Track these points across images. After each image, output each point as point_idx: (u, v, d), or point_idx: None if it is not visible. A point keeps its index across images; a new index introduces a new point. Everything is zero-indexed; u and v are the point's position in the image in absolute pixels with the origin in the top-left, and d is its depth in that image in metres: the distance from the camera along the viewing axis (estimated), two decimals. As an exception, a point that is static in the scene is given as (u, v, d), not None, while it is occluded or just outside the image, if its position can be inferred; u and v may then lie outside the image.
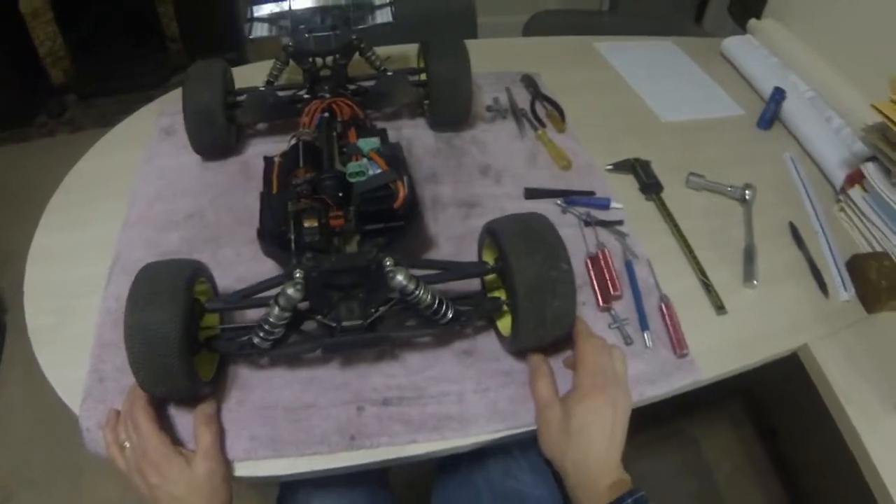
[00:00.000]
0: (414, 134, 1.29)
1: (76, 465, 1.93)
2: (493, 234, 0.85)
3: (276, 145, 1.19)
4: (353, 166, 0.89)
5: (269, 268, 0.99)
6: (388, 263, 0.79)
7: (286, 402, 0.87)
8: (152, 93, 1.42)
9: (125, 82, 3.23)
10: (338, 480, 1.02)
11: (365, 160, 0.92)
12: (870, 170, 1.13)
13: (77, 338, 0.95)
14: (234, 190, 1.16)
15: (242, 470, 0.82)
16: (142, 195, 1.16)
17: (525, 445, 1.04)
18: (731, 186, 1.19)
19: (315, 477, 0.84)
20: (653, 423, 1.92)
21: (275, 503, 1.06)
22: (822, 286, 1.06)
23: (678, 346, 0.94)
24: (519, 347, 0.87)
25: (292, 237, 0.86)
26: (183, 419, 0.85)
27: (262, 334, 0.80)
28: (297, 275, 0.77)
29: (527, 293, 0.79)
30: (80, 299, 1.00)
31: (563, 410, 0.79)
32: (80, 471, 1.92)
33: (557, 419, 0.79)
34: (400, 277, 0.78)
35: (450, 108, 1.24)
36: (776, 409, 1.90)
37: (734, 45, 1.62)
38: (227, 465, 0.81)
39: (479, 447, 0.86)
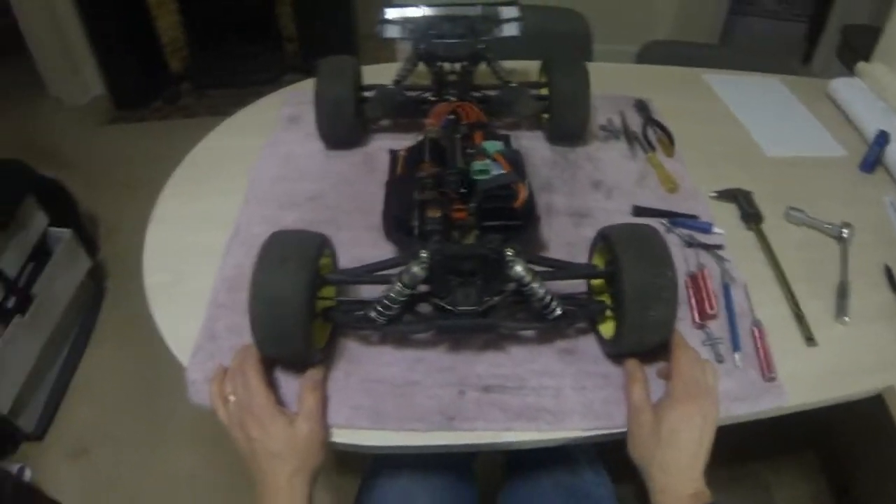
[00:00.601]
0: (531, 145, 1.32)
1: (155, 433, 2.00)
2: (606, 238, 0.89)
3: (399, 142, 1.23)
4: (477, 165, 0.94)
5: (385, 254, 1.02)
6: (509, 254, 0.83)
7: (391, 377, 0.91)
8: (265, 89, 1.48)
9: (239, 77, 3.36)
10: (426, 468, 1.07)
11: (489, 160, 0.96)
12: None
13: (190, 297, 1.01)
14: (356, 179, 1.22)
15: (341, 437, 0.86)
16: (264, 175, 1.22)
17: (586, 450, 1.08)
18: (829, 224, 1.19)
19: (407, 455, 0.87)
20: (729, 462, 1.90)
21: (356, 488, 1.10)
22: (914, 330, 1.05)
23: (767, 369, 0.95)
24: (619, 350, 0.90)
25: (416, 224, 0.91)
26: (289, 384, 0.89)
27: (379, 309, 0.85)
28: (424, 255, 0.82)
29: (633, 296, 0.82)
30: (196, 263, 1.06)
31: (655, 415, 0.82)
32: (158, 438, 1.99)
33: (649, 423, 0.81)
34: (519, 268, 0.82)
35: (568, 123, 1.28)
36: (850, 466, 1.86)
37: (841, 86, 1.62)
38: (328, 430, 0.85)
39: (569, 443, 0.89)
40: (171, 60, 3.38)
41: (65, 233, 2.15)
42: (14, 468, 1.85)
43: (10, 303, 1.89)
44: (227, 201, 1.17)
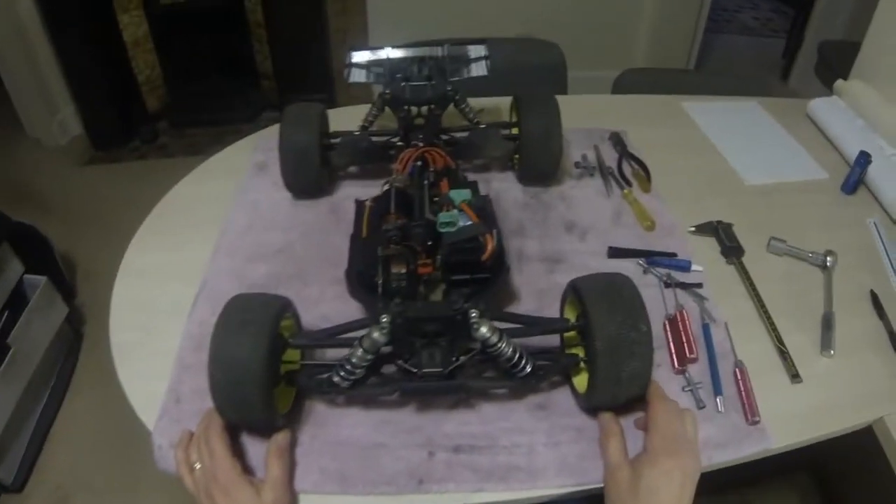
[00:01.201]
0: (502, 187, 1.30)
1: (134, 478, 1.97)
2: (576, 291, 0.86)
3: (367, 189, 1.21)
4: (444, 216, 0.91)
5: (352, 309, 1.01)
6: (473, 315, 0.80)
7: (358, 439, 0.88)
8: (243, 127, 1.48)
9: (217, 115, 3.35)
10: None
11: (456, 211, 0.94)
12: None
13: (157, 356, 0.98)
14: (323, 229, 1.19)
15: (309, 503, 0.83)
16: (234, 225, 1.20)
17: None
18: (812, 252, 1.17)
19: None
20: (719, 490, 1.88)
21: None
22: (903, 356, 1.03)
23: (750, 412, 0.92)
24: (593, 404, 0.87)
25: (380, 281, 0.89)
26: (255, 448, 0.87)
27: (342, 374, 0.82)
28: (384, 319, 0.79)
29: (605, 351, 0.80)
30: (164, 320, 1.03)
31: (633, 472, 0.79)
32: (137, 485, 1.96)
33: (626, 480, 0.78)
34: (484, 329, 0.80)
35: (540, 162, 1.25)
36: (845, 485, 1.84)
37: (820, 106, 1.61)
38: (295, 497, 0.83)
39: (542, 501, 0.86)
40: (149, 99, 3.37)
41: (40, 280, 2.12)
42: None
43: (-14, 353, 1.85)
44: (198, 252, 1.15)
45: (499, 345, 0.81)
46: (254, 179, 1.31)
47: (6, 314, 1.98)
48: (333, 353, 0.94)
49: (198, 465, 0.81)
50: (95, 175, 3.19)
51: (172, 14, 3.24)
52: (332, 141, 1.25)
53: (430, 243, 0.92)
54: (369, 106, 1.29)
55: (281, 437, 0.84)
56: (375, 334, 0.78)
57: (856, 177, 1.36)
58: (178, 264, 1.14)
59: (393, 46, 1.25)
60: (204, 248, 1.15)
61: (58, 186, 3.13)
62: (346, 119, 1.31)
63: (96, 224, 2.77)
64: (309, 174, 1.20)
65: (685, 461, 0.78)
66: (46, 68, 3.16)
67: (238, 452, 0.84)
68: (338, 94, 3.27)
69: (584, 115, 1.52)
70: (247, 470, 0.83)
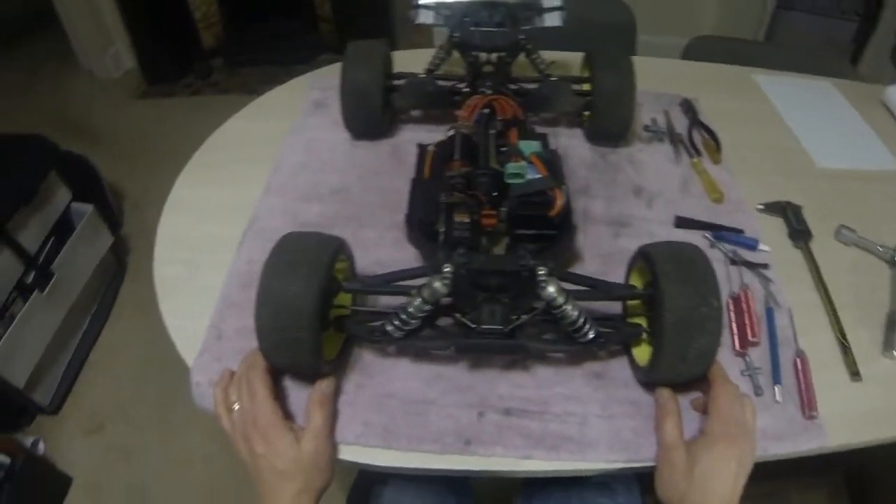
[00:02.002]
0: (569, 144, 1.25)
1: (169, 410, 2.00)
2: (647, 258, 0.81)
3: (428, 134, 1.18)
4: (512, 167, 0.87)
5: (408, 255, 0.98)
6: (541, 272, 0.76)
7: (406, 394, 0.85)
8: (298, 68, 1.44)
9: (273, 55, 3.32)
10: (424, 481, 1.02)
11: (524, 163, 0.90)
12: None
13: (201, 292, 0.96)
14: (382, 172, 1.16)
15: (350, 454, 0.81)
16: (286, 164, 1.17)
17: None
18: (882, 246, 1.11)
19: (412, 474, 0.83)
20: (753, 480, 1.84)
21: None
22: (970, 367, 0.97)
23: (808, 406, 0.88)
24: (654, 379, 0.83)
25: (441, 230, 0.85)
26: (297, 394, 0.84)
27: (397, 323, 0.79)
28: (447, 269, 0.75)
29: (675, 324, 0.75)
30: (210, 255, 1.01)
31: (689, 455, 0.76)
32: (172, 416, 1.99)
33: (682, 463, 0.75)
34: (551, 289, 0.75)
35: (610, 122, 1.20)
36: (878, 490, 1.80)
37: (896, 94, 1.53)
38: (335, 447, 0.80)
39: (592, 474, 0.84)
40: (204, 36, 3.34)
41: (88, 208, 2.13)
42: (28, 441, 1.87)
43: (30, 278, 1.88)
44: (248, 188, 1.12)
45: (564, 306, 0.77)
46: (310, 118, 1.28)
47: (52, 241, 1.99)
48: (386, 301, 0.92)
49: (236, 406, 0.79)
50: (147, 109, 3.20)
51: (232, -51, 3.21)
52: (395, 82, 1.21)
53: (494, 194, 0.87)
54: (434, 50, 1.24)
55: (325, 385, 0.82)
56: (437, 284, 0.75)
57: (933, 173, 1.29)
58: (227, 200, 1.11)
59: (465, -12, 1.20)
60: (254, 184, 1.13)
61: (109, 119, 3.14)
62: (408, 63, 1.27)
63: (146, 157, 2.78)
64: (370, 114, 1.17)
65: (743, 449, 0.76)
66: (102, 1, 3.15)
67: (279, 397, 0.82)
68: (398, 40, 3.20)
69: (653, 78, 1.45)
70: (287, 416, 0.81)
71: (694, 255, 0.81)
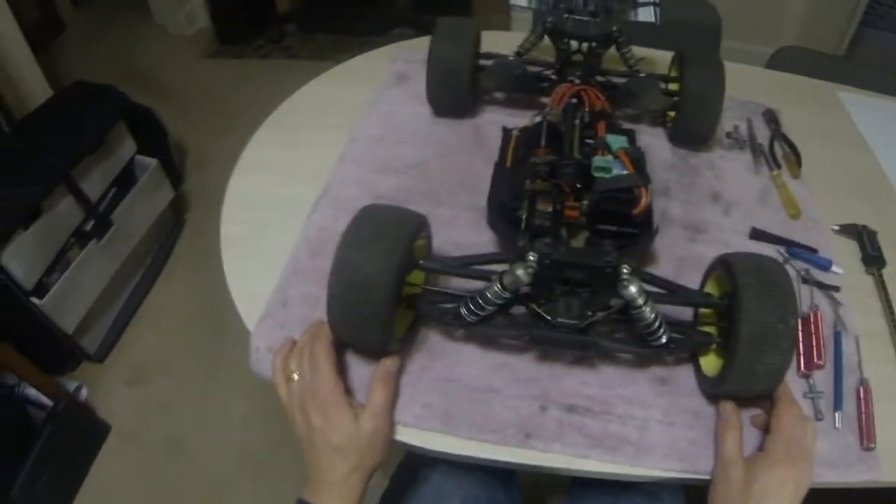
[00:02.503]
0: (651, 143, 1.23)
1: (213, 369, 2.02)
2: (728, 267, 0.79)
3: (512, 118, 1.16)
4: (599, 160, 0.86)
5: (485, 239, 0.97)
6: (625, 271, 0.74)
7: (470, 379, 0.84)
8: (372, 39, 1.44)
9: (347, 24, 3.30)
10: (473, 469, 1.00)
11: (611, 157, 0.88)
12: None
13: (267, 255, 0.96)
14: (462, 152, 1.14)
15: (407, 436, 0.81)
16: (364, 134, 1.16)
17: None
18: (957, 281, 1.08)
19: (466, 462, 0.82)
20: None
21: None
22: None
23: (866, 436, 0.85)
24: (720, 392, 0.81)
25: (524, 216, 0.84)
26: (359, 369, 0.84)
27: (472, 307, 0.78)
28: (531, 258, 0.74)
29: (749, 339, 0.73)
30: (279, 218, 1.01)
31: (747, 471, 0.74)
32: (216, 375, 2.01)
33: (739, 479, 0.74)
34: (633, 289, 0.74)
35: (696, 124, 1.18)
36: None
37: None
38: (393, 428, 0.80)
39: (646, 481, 0.82)
40: (279, 0, 3.34)
41: (151, 162, 2.15)
42: (71, 386, 1.90)
43: (89, 226, 1.90)
44: (322, 155, 1.12)
45: (643, 308, 0.75)
46: (391, 90, 1.27)
47: (113, 191, 2.01)
48: (457, 283, 0.90)
49: (296, 377, 0.78)
50: (218, 68, 3.21)
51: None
52: (483, 63, 1.19)
53: (578, 186, 0.86)
54: (523, 34, 1.21)
55: (390, 363, 0.81)
56: (519, 271, 0.73)
57: None
58: (301, 165, 1.11)
59: (562, -27, 1.18)
60: (329, 152, 1.12)
61: (179, 75, 3.16)
62: (494, 44, 1.24)
63: (213, 116, 2.79)
64: (456, 91, 1.15)
65: (801, 472, 0.74)
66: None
67: (342, 371, 0.81)
68: (475, 20, 3.18)
69: (737, 85, 1.41)
70: (348, 391, 0.79)
71: (775, 269, 0.79)
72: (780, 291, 0.76)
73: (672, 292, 0.84)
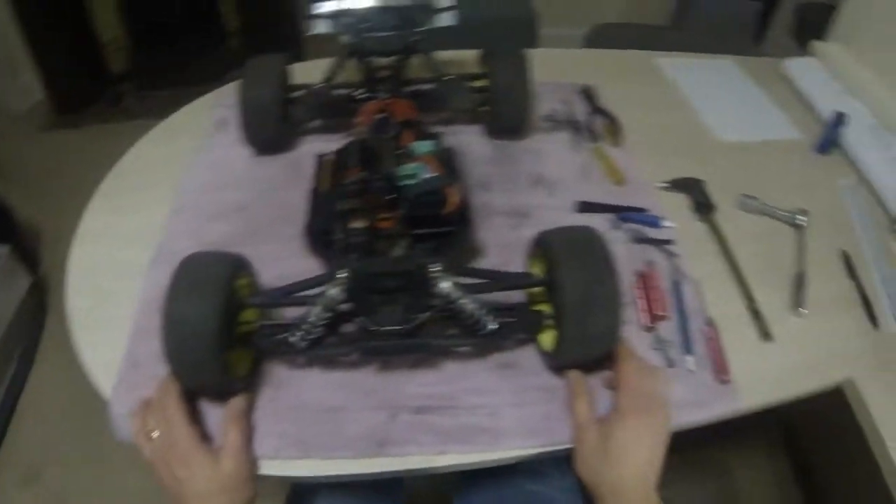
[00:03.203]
0: (469, 140, 1.26)
1: (105, 450, 1.94)
2: (543, 245, 0.83)
3: (330, 144, 1.16)
4: (405, 168, 0.88)
5: (312, 266, 0.98)
6: (433, 270, 0.77)
7: (318, 402, 0.85)
8: (210, 86, 1.43)
9: (184, 74, 3.24)
10: (354, 487, 1.02)
11: (418, 163, 0.91)
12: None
13: (115, 321, 0.95)
14: (283, 186, 1.16)
15: (269, 468, 0.81)
16: (191, 185, 1.16)
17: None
18: (784, 211, 1.15)
19: (336, 481, 0.82)
20: (690, 448, 1.87)
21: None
22: (873, 318, 1.02)
23: (720, 372, 0.91)
24: (561, 363, 0.85)
25: (339, 237, 0.86)
26: (215, 413, 0.84)
27: (300, 333, 0.79)
28: (341, 275, 0.76)
29: (574, 306, 0.77)
30: (122, 283, 1.00)
31: (602, 432, 0.77)
32: (110, 456, 1.93)
33: (595, 440, 0.77)
34: (444, 285, 0.77)
35: (507, 115, 1.22)
36: (814, 443, 1.84)
37: (796, 66, 1.58)
38: (254, 463, 0.80)
39: (508, 462, 0.84)
40: (113, 60, 3.28)
41: (2, 250, 2.08)
42: None
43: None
44: (155, 213, 1.11)
45: (460, 301, 0.78)
46: (214, 137, 1.27)
47: (-35, 286, 1.93)
48: (293, 313, 0.91)
49: (155, 434, 0.78)
50: (59, 140, 3.12)
51: (135, -31, 3.15)
52: (294, 95, 1.21)
53: (391, 197, 0.88)
54: (333, 59, 1.24)
55: (238, 402, 0.81)
56: (332, 290, 0.75)
57: (829, 138, 1.34)
58: (136, 227, 1.10)
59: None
60: (162, 209, 1.12)
61: (20, 153, 3.05)
62: (312, 73, 1.26)
63: (61, 190, 2.68)
64: (270, 129, 1.17)
65: (655, 420, 0.77)
66: (5, 30, 3.04)
67: (197, 419, 0.81)
68: (307, 51, 3.19)
69: (555, 69, 1.48)
70: (206, 437, 0.80)
71: (588, 237, 0.83)
72: (594, 257, 0.80)
73: (493, 280, 0.87)
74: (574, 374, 0.85)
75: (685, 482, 1.85)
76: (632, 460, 0.74)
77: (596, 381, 0.87)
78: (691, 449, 1.87)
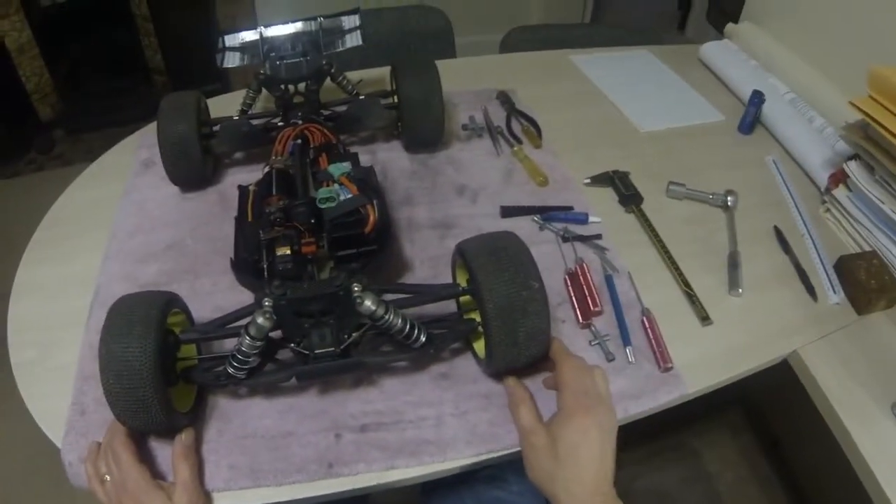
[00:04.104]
0: (389, 157, 1.28)
1: (63, 501, 1.88)
2: (462, 254, 0.85)
3: (253, 174, 1.18)
4: (323, 192, 0.89)
5: (246, 297, 0.97)
6: (356, 289, 0.78)
7: (264, 430, 0.86)
8: (139, 125, 1.43)
9: (112, 116, 3.22)
10: None
11: (335, 185, 0.92)
12: (853, 168, 1.12)
13: (59, 371, 0.95)
14: (212, 220, 1.16)
15: (222, 501, 0.81)
16: (121, 228, 1.16)
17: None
18: (712, 193, 1.18)
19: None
20: (652, 437, 1.91)
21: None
22: (811, 290, 1.05)
23: (662, 360, 0.93)
24: (495, 369, 0.86)
25: (265, 266, 0.87)
26: (164, 451, 0.84)
27: (235, 364, 0.80)
28: (267, 303, 0.77)
29: (497, 313, 0.79)
30: (63, 333, 1.00)
31: (549, 434, 0.77)
32: (69, 506, 1.90)
33: (543, 444, 0.77)
34: (368, 303, 0.78)
35: (422, 128, 1.23)
36: (776, 417, 1.89)
37: (712, 50, 1.63)
38: (208, 496, 0.81)
39: (457, 472, 0.85)
40: (40, 107, 3.23)
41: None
42: None
43: None
44: (91, 259, 1.11)
45: (386, 317, 0.79)
46: (140, 178, 1.27)
47: None
48: (230, 345, 0.92)
49: (108, 478, 0.79)
50: (-9, 191, 3.06)
51: (54, 16, 3.12)
52: (213, 129, 1.21)
53: (314, 221, 0.89)
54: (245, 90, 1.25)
55: (185, 437, 0.82)
56: (260, 319, 0.76)
57: (751, 116, 1.38)
58: (72, 274, 1.10)
59: (265, 25, 1.21)
60: (96, 254, 1.11)
61: (-48, 209, 2.98)
62: (232, 105, 1.27)
63: None
64: (191, 165, 1.16)
65: (600, 416, 0.77)
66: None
67: (147, 458, 0.82)
68: (233, 83, 3.19)
69: (471, 76, 1.51)
70: (157, 475, 0.81)
71: (507, 241, 0.85)
72: (514, 261, 0.81)
73: (417, 293, 0.88)
74: (511, 382, 0.86)
75: (654, 471, 1.88)
76: (582, 459, 0.74)
77: (537, 384, 0.89)
78: (655, 438, 1.91)
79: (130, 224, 1.16)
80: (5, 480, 2.00)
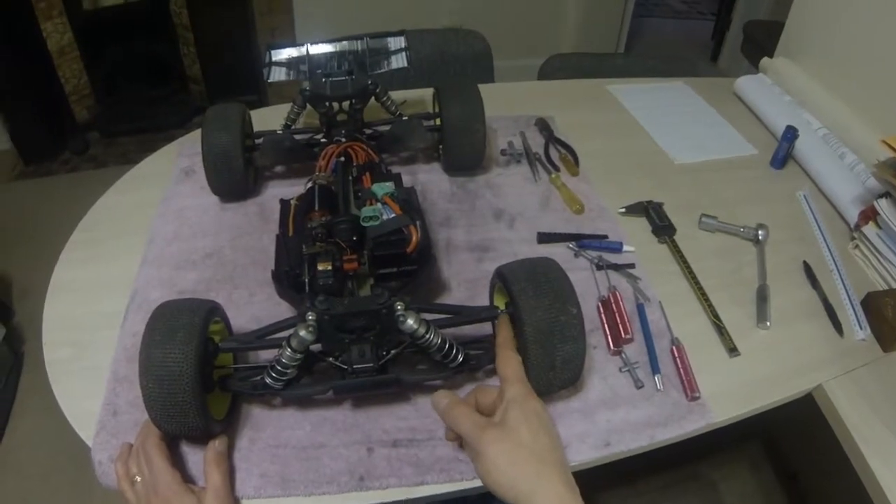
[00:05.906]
0: (429, 178, 1.30)
1: (88, 500, 1.92)
2: (502, 278, 0.86)
3: (293, 188, 1.20)
4: (367, 210, 0.91)
5: (283, 309, 1.00)
6: (398, 308, 0.80)
7: (296, 441, 0.87)
8: (174, 132, 1.46)
9: (148, 122, 3.29)
10: None
11: (379, 205, 0.94)
12: (883, 206, 1.12)
13: (92, 371, 0.96)
14: (251, 231, 1.18)
15: (252, 509, 0.83)
16: (160, 234, 1.18)
17: None
18: (743, 227, 1.19)
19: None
20: (672, 467, 1.90)
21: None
22: (837, 325, 1.05)
23: (689, 389, 0.93)
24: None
25: (306, 280, 0.88)
26: (195, 456, 0.85)
27: (274, 375, 0.81)
28: (310, 317, 0.78)
29: (536, 337, 0.80)
30: (97, 334, 1.01)
31: (500, 425, 0.77)
32: None
33: (498, 440, 0.75)
34: (410, 322, 0.79)
35: (463, 152, 1.25)
36: (796, 451, 1.88)
37: (746, 84, 1.64)
38: (238, 503, 0.82)
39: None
40: (77, 109, 3.29)
41: (-29, 302, 2.07)
42: None
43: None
44: (127, 263, 1.13)
45: (427, 336, 0.81)
46: (180, 185, 1.29)
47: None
48: (267, 356, 0.93)
49: (138, 479, 0.80)
50: (26, 190, 3.11)
51: (97, 20, 3.17)
52: (256, 141, 1.23)
53: (355, 238, 0.91)
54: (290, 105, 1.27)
55: (218, 444, 0.83)
56: (302, 332, 0.77)
57: (784, 151, 1.38)
58: (108, 277, 1.11)
59: (312, 42, 1.24)
60: (133, 258, 1.13)
61: (-12, 204, 3.05)
62: (272, 118, 1.29)
63: (29, 240, 2.68)
64: (233, 176, 1.18)
65: (533, 404, 0.78)
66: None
67: (178, 462, 0.83)
68: (269, 95, 3.23)
69: (510, 102, 1.52)
70: (187, 479, 0.81)
71: (547, 268, 0.86)
72: (553, 287, 0.82)
73: (456, 314, 0.89)
74: (439, 395, 0.84)
75: (672, 501, 1.87)
76: (539, 449, 0.74)
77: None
78: (674, 468, 1.90)
79: (169, 231, 1.18)
80: (25, 475, 2.02)
